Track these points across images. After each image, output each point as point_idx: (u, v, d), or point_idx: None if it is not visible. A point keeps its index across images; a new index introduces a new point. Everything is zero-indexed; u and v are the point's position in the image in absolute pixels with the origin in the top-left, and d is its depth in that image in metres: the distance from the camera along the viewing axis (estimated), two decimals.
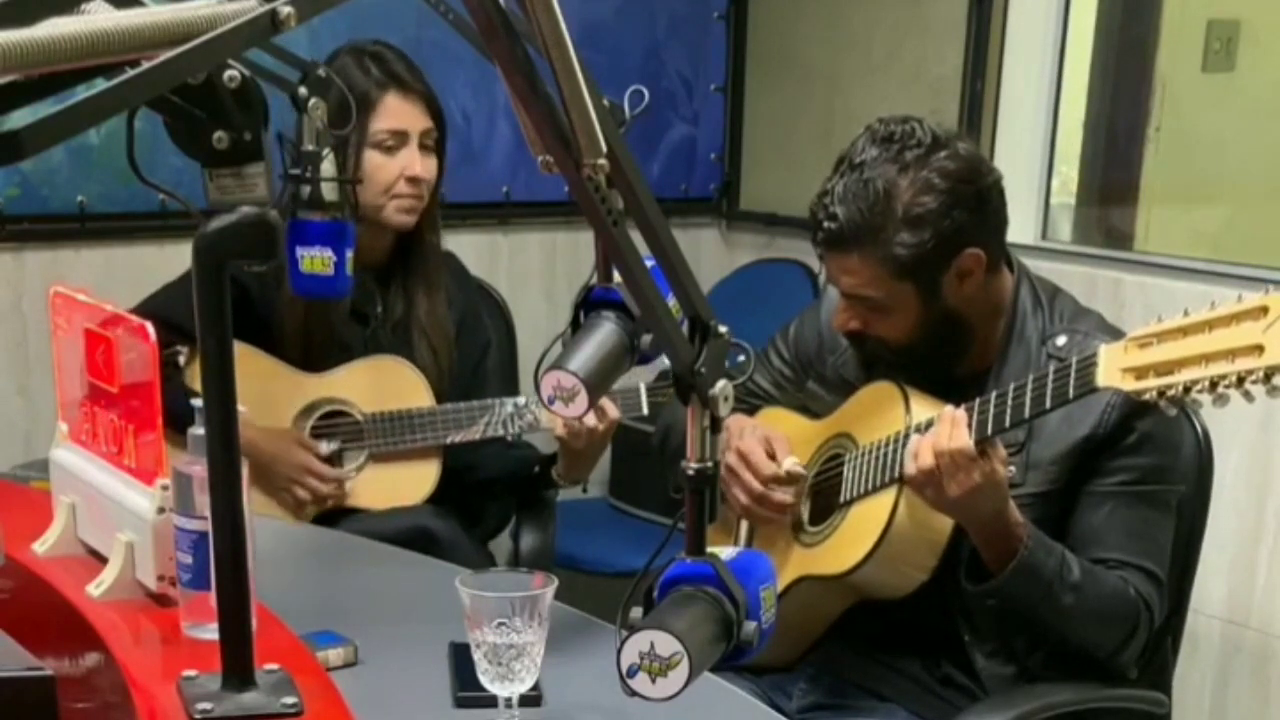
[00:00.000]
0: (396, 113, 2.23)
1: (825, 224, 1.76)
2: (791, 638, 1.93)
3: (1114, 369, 1.57)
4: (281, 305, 2.27)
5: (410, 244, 2.35)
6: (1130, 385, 1.55)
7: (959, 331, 1.81)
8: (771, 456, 1.90)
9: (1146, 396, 1.53)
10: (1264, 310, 1.44)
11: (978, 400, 1.70)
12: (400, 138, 2.24)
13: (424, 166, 2.27)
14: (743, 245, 3.65)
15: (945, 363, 1.83)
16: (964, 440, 1.66)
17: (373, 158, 2.23)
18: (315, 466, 2.24)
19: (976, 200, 1.75)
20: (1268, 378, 1.43)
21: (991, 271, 1.80)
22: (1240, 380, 1.44)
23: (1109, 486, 1.77)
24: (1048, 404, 1.65)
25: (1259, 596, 2.58)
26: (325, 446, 2.27)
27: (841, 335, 1.90)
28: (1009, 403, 1.67)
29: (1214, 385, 1.46)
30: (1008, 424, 1.67)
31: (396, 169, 2.24)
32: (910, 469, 1.70)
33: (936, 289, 1.77)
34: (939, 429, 1.68)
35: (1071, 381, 1.62)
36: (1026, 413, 1.66)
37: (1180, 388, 1.49)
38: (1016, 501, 1.73)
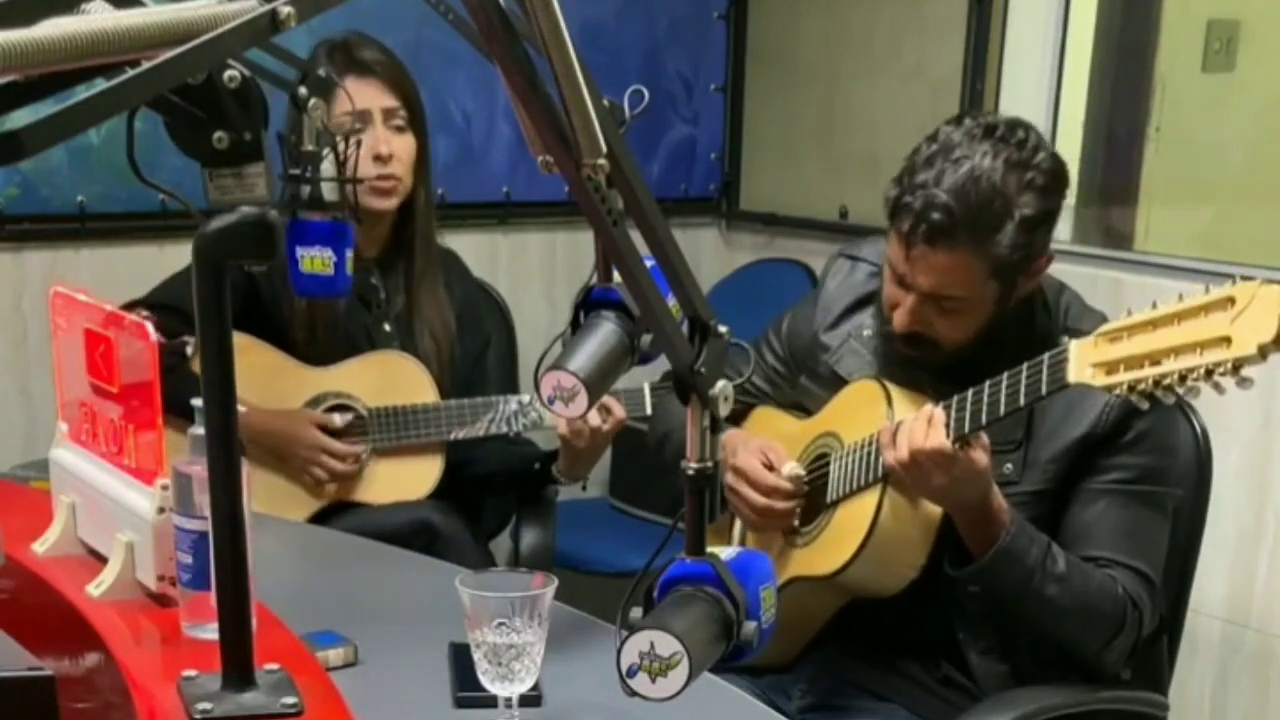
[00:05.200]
0: (354, 94, 2.24)
1: (933, 216, 1.69)
2: (787, 637, 1.93)
3: (1084, 364, 1.56)
4: (289, 297, 2.28)
5: (406, 235, 2.36)
6: (1101, 381, 1.54)
7: (1003, 340, 1.79)
8: (770, 468, 1.90)
9: (1117, 391, 1.53)
10: (1230, 301, 1.43)
11: (955, 398, 1.70)
12: (361, 118, 2.25)
13: (390, 144, 2.28)
14: (742, 245, 3.65)
15: (974, 375, 1.73)
16: (940, 440, 1.66)
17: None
18: (330, 445, 2.26)
19: (1062, 203, 1.77)
20: (1236, 369, 1.41)
21: None
22: (1209, 373, 1.43)
23: (1103, 484, 1.77)
24: (1021, 401, 1.64)
25: (1259, 597, 2.58)
26: (339, 419, 2.28)
27: (895, 337, 1.83)
28: (985, 400, 1.67)
29: (1183, 378, 1.45)
30: (985, 421, 1.67)
31: (363, 150, 2.25)
32: (888, 459, 1.71)
33: (1013, 290, 1.77)
34: (915, 427, 1.68)
35: (1044, 378, 1.61)
36: (1002, 410, 1.66)
37: (1150, 381, 1.48)
38: (1013, 500, 1.73)
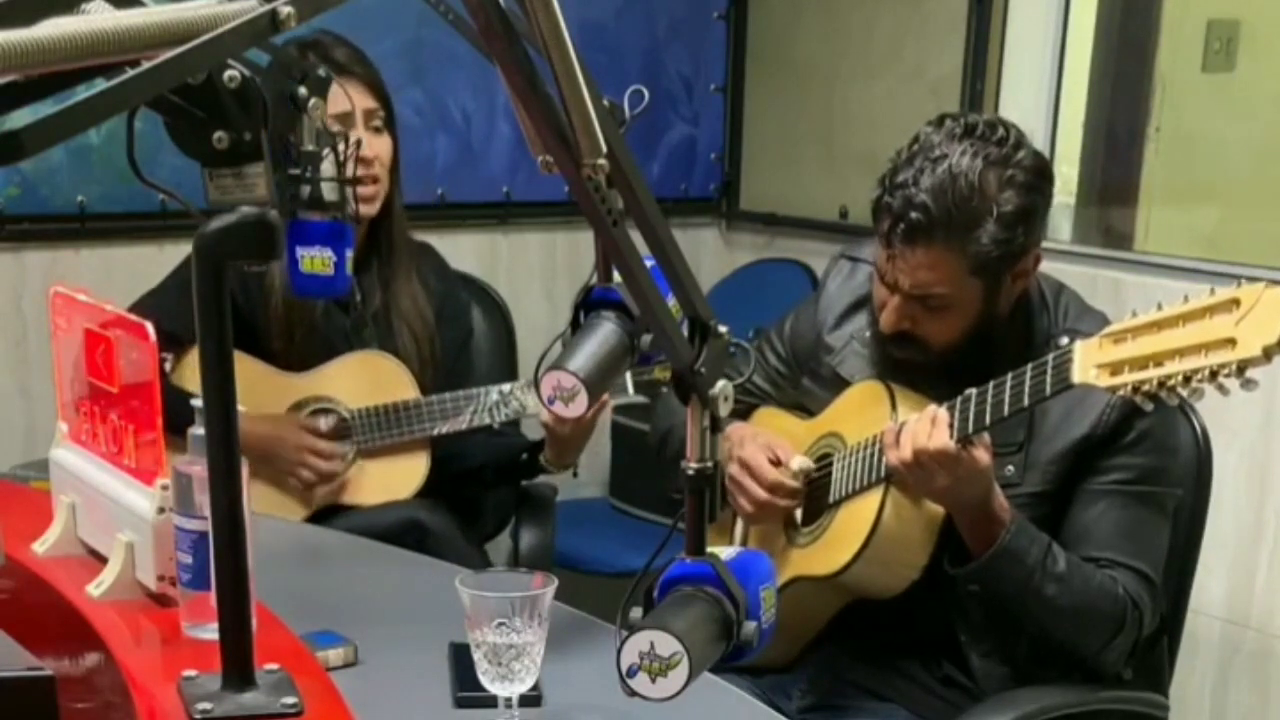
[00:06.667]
0: (336, 97, 2.23)
1: (911, 215, 1.70)
2: (788, 638, 1.93)
3: (1089, 365, 1.56)
4: (265, 304, 2.27)
5: (380, 233, 2.35)
6: (1105, 381, 1.54)
7: (992, 339, 1.79)
8: (775, 463, 1.90)
9: (1122, 392, 1.53)
10: (1236, 303, 1.43)
11: (958, 399, 1.70)
12: (344, 120, 2.24)
13: (372, 146, 2.27)
14: (742, 245, 3.65)
15: (970, 376, 1.74)
16: (943, 440, 1.66)
17: None
18: (316, 444, 2.26)
19: (1047, 200, 1.77)
20: (1240, 371, 1.41)
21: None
22: (1213, 374, 1.43)
23: (1104, 484, 1.77)
24: (1026, 401, 1.64)
25: (1259, 596, 2.58)
26: (324, 423, 2.28)
27: (884, 337, 1.84)
28: (989, 401, 1.67)
29: (1188, 380, 1.45)
30: (988, 422, 1.67)
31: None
32: (891, 460, 1.71)
33: (999, 288, 1.76)
34: (918, 427, 1.68)
35: (1049, 379, 1.62)
36: (1006, 410, 1.66)
37: (1154, 383, 1.48)
38: (1015, 502, 1.74)
